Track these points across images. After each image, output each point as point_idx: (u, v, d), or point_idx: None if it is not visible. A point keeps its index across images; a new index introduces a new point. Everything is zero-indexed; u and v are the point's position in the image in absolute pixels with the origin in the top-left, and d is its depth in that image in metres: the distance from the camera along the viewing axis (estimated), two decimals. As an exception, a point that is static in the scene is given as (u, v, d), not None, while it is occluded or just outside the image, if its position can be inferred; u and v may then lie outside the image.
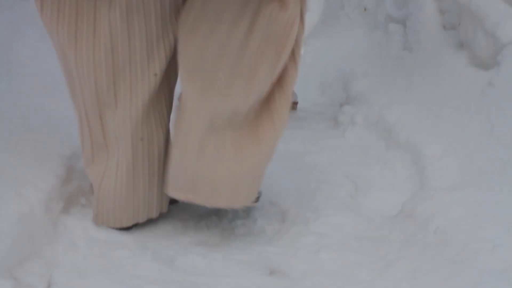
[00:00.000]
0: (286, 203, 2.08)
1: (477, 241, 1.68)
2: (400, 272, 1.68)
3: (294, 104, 2.92)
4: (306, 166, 2.31)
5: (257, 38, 1.82)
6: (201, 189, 1.92)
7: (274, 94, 1.88)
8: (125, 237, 1.90)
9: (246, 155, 1.89)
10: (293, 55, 1.89)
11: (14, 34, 2.92)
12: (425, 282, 1.62)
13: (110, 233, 1.90)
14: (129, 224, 1.97)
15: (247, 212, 2.10)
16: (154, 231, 1.97)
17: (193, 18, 1.87)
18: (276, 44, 1.83)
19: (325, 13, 4.09)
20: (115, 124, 1.89)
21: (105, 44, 1.87)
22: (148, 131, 1.94)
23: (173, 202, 2.05)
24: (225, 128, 1.88)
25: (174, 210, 2.07)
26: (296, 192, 2.13)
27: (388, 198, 2.08)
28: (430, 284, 1.61)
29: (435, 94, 2.41)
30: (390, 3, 3.14)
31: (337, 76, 3.16)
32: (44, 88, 2.46)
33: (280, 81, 1.88)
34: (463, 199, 1.84)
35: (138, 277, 1.69)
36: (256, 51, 1.83)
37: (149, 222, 1.99)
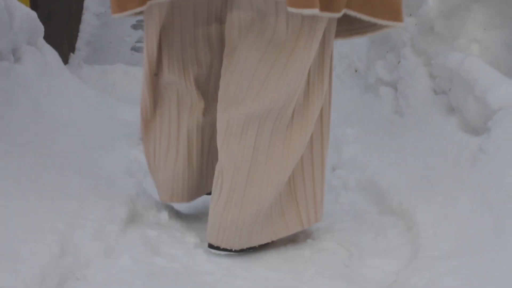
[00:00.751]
0: (281, 275, 2.07)
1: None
2: None
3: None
4: (301, 234, 2.31)
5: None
6: None
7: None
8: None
9: None
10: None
11: (7, 103, 2.95)
12: None
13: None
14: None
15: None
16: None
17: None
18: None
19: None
20: None
21: None
22: None
23: None
24: None
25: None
26: (290, 263, 2.13)
27: (383, 266, 2.08)
28: None
29: (427, 159, 2.44)
30: (381, 67, 3.18)
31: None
32: (36, 159, 2.47)
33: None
34: (456, 269, 1.85)
35: None
36: None
37: None
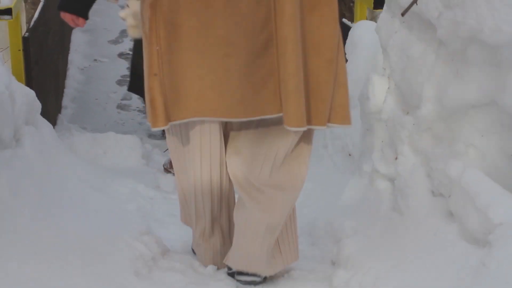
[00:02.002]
0: None
1: None
2: None
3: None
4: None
5: None
6: None
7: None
8: None
9: None
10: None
11: (13, 194, 2.98)
12: None
13: None
14: None
15: None
16: None
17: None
18: None
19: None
20: None
21: None
22: None
23: None
24: None
25: None
26: None
27: None
28: None
29: (429, 267, 2.50)
30: (378, 159, 3.26)
31: (326, 228, 3.25)
32: (37, 254, 2.51)
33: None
34: None
35: None
36: None
37: None
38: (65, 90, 6.64)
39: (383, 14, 3.42)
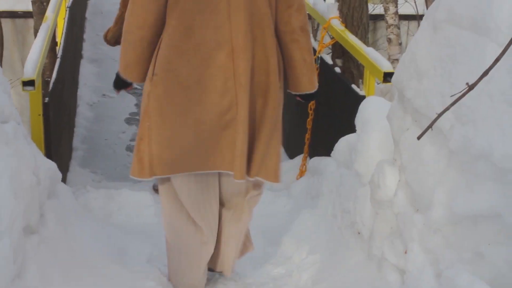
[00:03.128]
0: None
1: None
2: None
3: None
4: None
5: None
6: None
7: None
8: None
9: None
10: None
11: (40, 279, 3.14)
12: None
13: None
14: None
15: None
16: None
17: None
18: None
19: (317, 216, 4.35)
20: None
21: None
22: None
23: None
24: None
25: None
26: None
27: None
28: None
29: None
30: (387, 246, 3.41)
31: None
32: None
33: None
34: None
35: None
36: None
37: None
38: (75, 129, 6.78)
39: (395, 106, 3.57)
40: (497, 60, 2.64)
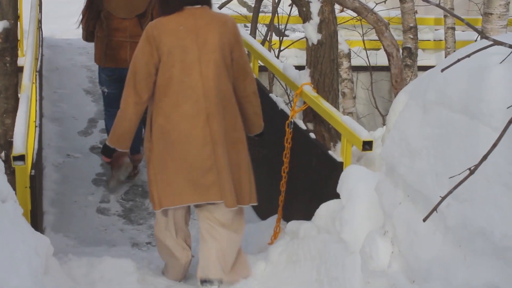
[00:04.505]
0: None
1: None
2: None
3: None
4: None
5: None
6: None
7: None
8: None
9: None
10: None
11: None
12: None
13: None
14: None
15: None
16: None
17: None
18: None
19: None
20: None
21: None
22: None
23: None
24: None
25: None
26: None
27: None
28: None
29: None
30: None
31: None
32: None
33: None
34: None
35: None
36: None
37: None
38: (44, 192, 6.77)
39: (383, 179, 3.74)
40: (494, 145, 2.82)
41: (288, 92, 11.07)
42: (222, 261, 4.85)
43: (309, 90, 5.54)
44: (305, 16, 5.52)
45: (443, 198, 2.83)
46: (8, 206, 3.54)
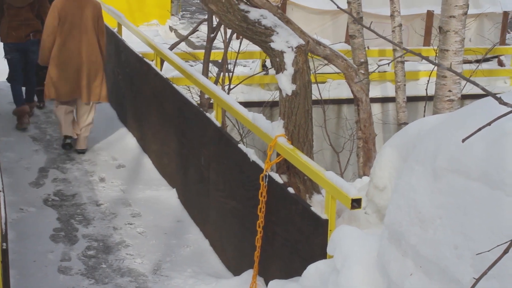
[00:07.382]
0: None
1: None
2: None
3: None
4: None
5: None
6: None
7: None
8: None
9: None
10: None
11: None
12: None
13: None
14: None
15: None
16: None
17: None
18: None
19: None
20: None
21: None
22: None
23: None
24: None
25: None
26: None
27: None
28: None
29: None
30: None
31: None
32: None
33: None
34: None
35: None
36: None
37: None
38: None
39: (388, 247, 3.58)
40: (526, 221, 2.70)
41: (238, 127, 10.90)
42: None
43: (283, 142, 5.38)
44: (278, 67, 5.37)
45: (479, 279, 2.68)
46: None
